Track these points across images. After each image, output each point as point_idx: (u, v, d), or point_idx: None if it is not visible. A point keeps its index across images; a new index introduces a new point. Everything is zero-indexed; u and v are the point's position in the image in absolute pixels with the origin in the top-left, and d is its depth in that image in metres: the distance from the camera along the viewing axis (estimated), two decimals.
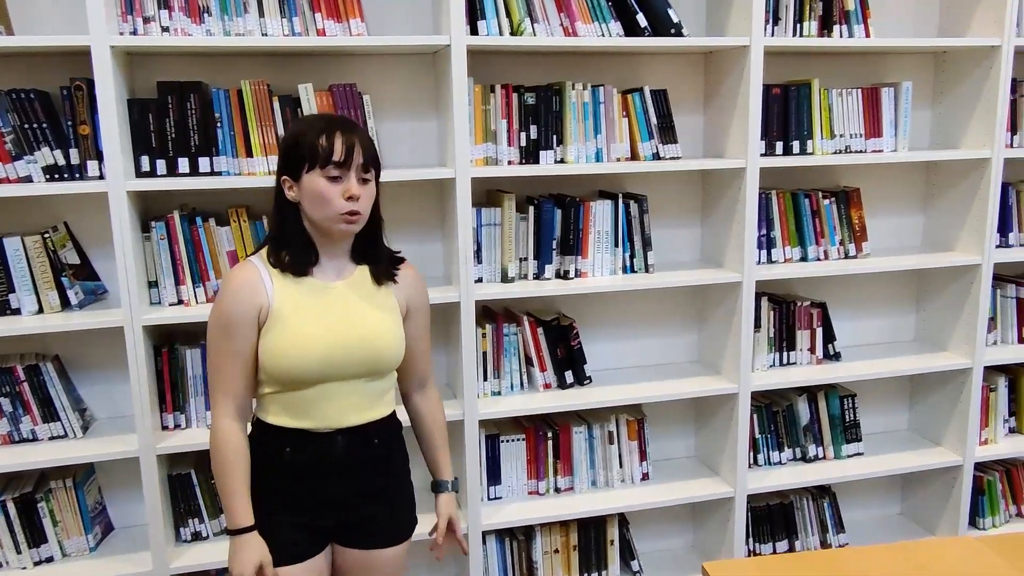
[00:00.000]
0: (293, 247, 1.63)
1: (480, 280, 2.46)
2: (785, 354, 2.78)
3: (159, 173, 2.18)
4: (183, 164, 2.19)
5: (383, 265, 1.72)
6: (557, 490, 2.65)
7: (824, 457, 2.87)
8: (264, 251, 1.67)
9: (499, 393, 2.55)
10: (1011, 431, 3.05)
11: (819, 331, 2.79)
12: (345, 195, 1.57)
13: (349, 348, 1.63)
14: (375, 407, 1.72)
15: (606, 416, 2.68)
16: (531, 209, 2.46)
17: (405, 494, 1.83)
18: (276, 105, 2.22)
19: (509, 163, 2.40)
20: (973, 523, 3.02)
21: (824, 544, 2.93)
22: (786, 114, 2.57)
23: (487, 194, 2.58)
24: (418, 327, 1.80)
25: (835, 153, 2.63)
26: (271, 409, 1.67)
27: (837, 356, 2.83)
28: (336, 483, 1.69)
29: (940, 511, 3.00)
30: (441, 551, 1.87)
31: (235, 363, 1.62)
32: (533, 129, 2.40)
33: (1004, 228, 2.86)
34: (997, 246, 2.83)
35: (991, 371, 2.98)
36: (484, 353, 2.51)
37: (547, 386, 2.59)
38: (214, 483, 2.36)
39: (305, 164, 1.57)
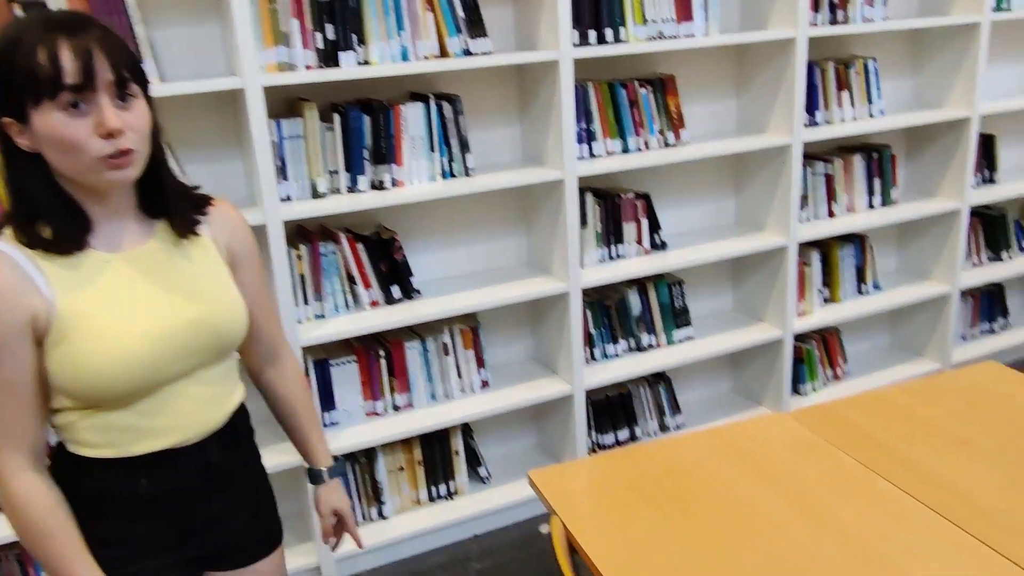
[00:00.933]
0: (51, 216, 1.12)
1: (288, 198, 2.28)
2: (613, 248, 2.78)
3: None
4: None
5: (187, 211, 1.24)
6: (396, 408, 2.59)
7: (657, 345, 2.94)
8: (8, 230, 1.13)
9: (323, 316, 2.42)
10: (826, 301, 3.22)
11: (644, 222, 2.80)
12: (100, 131, 1.06)
13: (182, 334, 1.19)
14: (234, 390, 1.32)
15: (439, 328, 2.61)
16: (337, 117, 2.29)
17: (267, 487, 1.44)
18: (15, 12, 1.91)
19: (307, 68, 2.20)
20: (796, 390, 3.21)
21: (663, 427, 3.03)
22: (597, 0, 2.49)
23: (286, 103, 2.37)
24: (251, 281, 1.34)
25: (648, 40, 2.58)
26: (94, 439, 1.19)
27: (663, 245, 2.86)
28: (212, 500, 1.30)
29: (766, 383, 3.16)
30: (335, 546, 1.55)
31: (13, 397, 1.12)
32: (329, 29, 2.20)
33: (812, 107, 2.93)
34: (806, 125, 2.90)
35: (805, 247, 3.12)
36: (301, 276, 2.35)
37: (374, 303, 2.48)
38: None
39: (27, 98, 1.05)
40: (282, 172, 2.25)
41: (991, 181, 3.44)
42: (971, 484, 1.40)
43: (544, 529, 2.71)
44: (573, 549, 1.35)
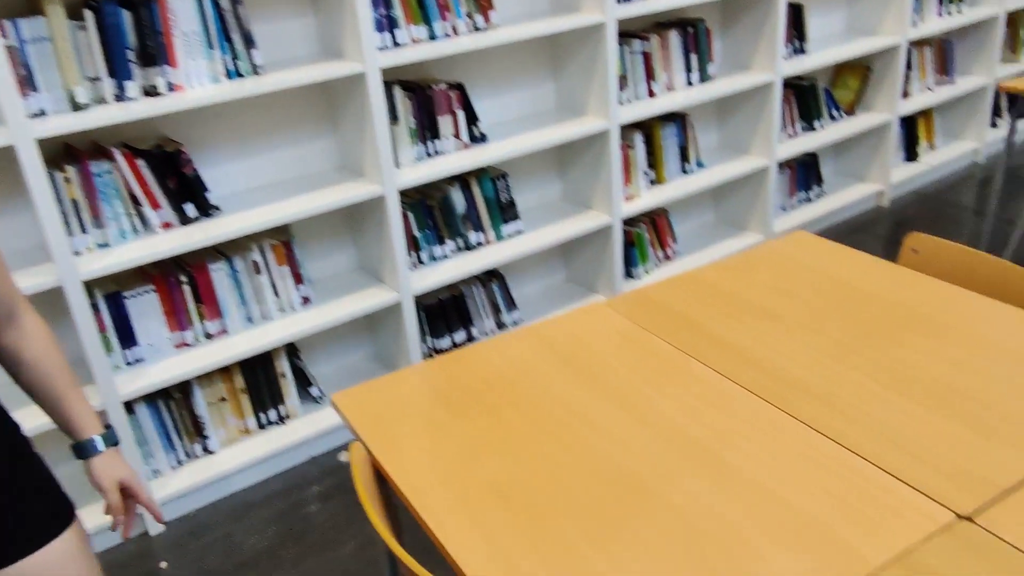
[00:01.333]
0: None
1: (42, 113, 1.97)
2: (430, 144, 2.62)
3: None
4: None
5: None
6: (208, 336, 2.38)
7: (486, 242, 2.84)
8: None
9: (107, 244, 2.15)
10: (652, 183, 3.21)
11: (461, 114, 2.65)
12: None
13: None
14: None
15: (247, 245, 2.39)
16: (89, 14, 1.97)
17: (29, 467, 1.17)
18: None
19: None
20: (629, 274, 3.22)
21: (500, 324, 2.97)
22: None
23: (26, 1, 2.02)
24: None
25: None
26: None
27: (483, 138, 2.73)
28: None
29: (599, 270, 3.14)
30: (127, 528, 1.28)
31: None
32: None
33: None
34: (619, 0, 2.79)
35: (628, 129, 3.07)
36: (74, 201, 2.07)
37: (166, 225, 2.23)
38: None
39: None
40: (29, 82, 1.93)
41: (801, 51, 3.49)
42: (782, 359, 1.40)
43: (343, 458, 2.61)
44: (382, 476, 1.25)
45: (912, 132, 4.14)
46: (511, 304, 2.98)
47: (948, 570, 0.96)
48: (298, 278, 2.50)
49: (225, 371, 2.44)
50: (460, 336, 2.87)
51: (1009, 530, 1.01)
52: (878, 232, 3.74)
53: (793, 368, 1.36)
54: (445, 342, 2.84)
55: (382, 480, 1.27)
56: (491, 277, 2.93)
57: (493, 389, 1.38)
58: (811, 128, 3.65)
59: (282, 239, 2.44)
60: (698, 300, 1.61)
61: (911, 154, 4.17)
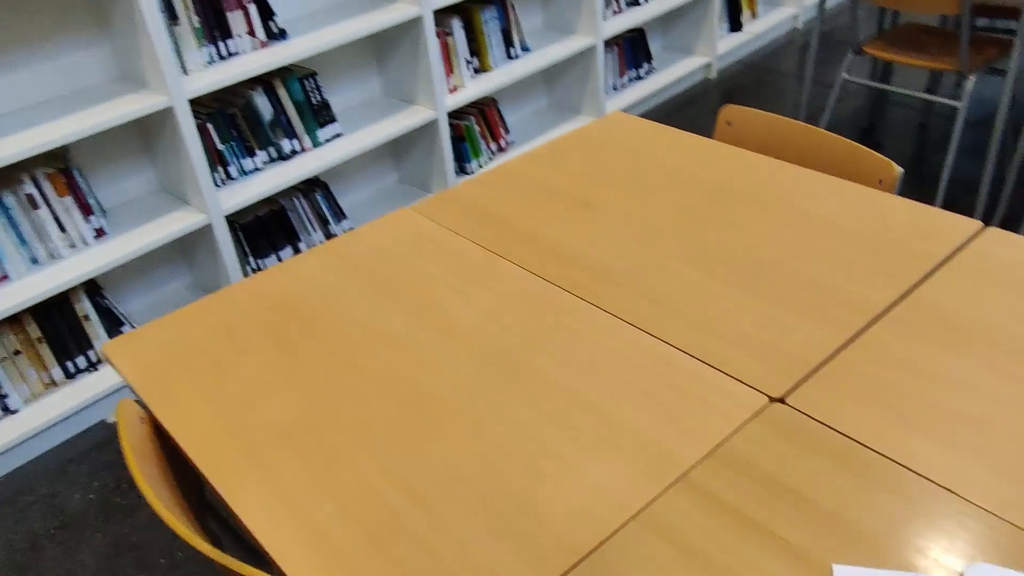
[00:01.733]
0: None
1: None
2: (221, 45, 2.35)
3: None
4: None
5: None
6: None
7: (302, 149, 2.62)
8: None
9: None
10: (476, 72, 3.05)
11: (252, 9, 2.38)
12: None
13: None
14: None
15: (16, 177, 2.09)
16: None
17: None
18: None
19: None
20: (463, 170, 3.09)
21: (329, 236, 2.80)
22: None
23: None
24: None
25: None
26: None
27: (282, 34, 2.47)
28: None
29: (431, 168, 2.99)
30: None
31: None
32: None
33: None
34: None
35: (443, 14, 2.87)
36: None
37: None
38: None
39: None
40: None
41: None
42: (592, 249, 1.32)
43: (111, 419, 2.37)
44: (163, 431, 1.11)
45: (735, 2, 4.12)
46: (339, 213, 2.80)
47: (762, 457, 0.93)
48: (86, 208, 2.23)
49: (15, 321, 2.17)
50: (287, 253, 2.68)
51: (820, 408, 0.98)
52: (708, 105, 3.74)
53: (604, 258, 1.29)
54: (271, 260, 2.65)
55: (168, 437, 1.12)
56: (314, 186, 2.73)
57: (284, 317, 1.24)
58: (635, 3, 3.55)
59: (59, 166, 2.15)
60: (509, 194, 1.50)
61: (735, 24, 4.16)
